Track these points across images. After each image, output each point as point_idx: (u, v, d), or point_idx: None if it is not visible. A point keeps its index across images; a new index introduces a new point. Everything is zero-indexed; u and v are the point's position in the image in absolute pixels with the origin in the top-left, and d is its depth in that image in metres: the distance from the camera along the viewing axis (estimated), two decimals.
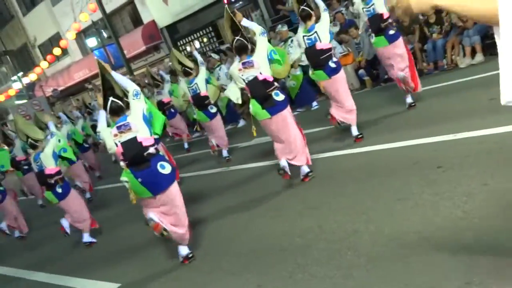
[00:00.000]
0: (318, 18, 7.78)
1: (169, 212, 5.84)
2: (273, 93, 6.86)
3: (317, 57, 7.74)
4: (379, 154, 7.04)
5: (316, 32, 7.64)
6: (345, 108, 7.92)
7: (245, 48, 7.01)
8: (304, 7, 7.66)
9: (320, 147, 8.18)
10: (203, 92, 10.22)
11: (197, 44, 25.15)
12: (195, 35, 26.02)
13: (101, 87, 5.81)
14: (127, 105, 5.75)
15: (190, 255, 5.98)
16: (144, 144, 5.59)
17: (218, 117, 10.77)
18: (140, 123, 5.66)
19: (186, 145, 13.82)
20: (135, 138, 5.60)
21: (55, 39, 34.24)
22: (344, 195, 6.04)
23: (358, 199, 5.71)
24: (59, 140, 8.85)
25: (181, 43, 27.05)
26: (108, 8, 26.29)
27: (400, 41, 8.56)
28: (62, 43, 30.25)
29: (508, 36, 2.33)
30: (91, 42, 30.83)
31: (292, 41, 12.41)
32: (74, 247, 8.83)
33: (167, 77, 14.08)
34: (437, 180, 5.28)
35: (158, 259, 6.55)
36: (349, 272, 4.23)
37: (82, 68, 32.60)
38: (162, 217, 5.77)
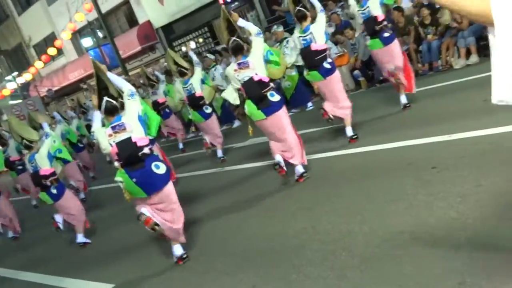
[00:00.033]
0: (314, 19, 7.78)
1: (166, 209, 5.85)
2: (268, 94, 6.86)
3: (312, 58, 7.73)
4: (373, 154, 7.04)
5: (311, 32, 7.64)
6: (339, 105, 7.92)
7: (240, 48, 7.01)
8: (300, 8, 7.67)
9: (315, 148, 8.17)
10: (198, 92, 10.20)
11: (192, 44, 25.13)
12: (190, 35, 26.02)
13: (95, 87, 5.79)
14: (122, 106, 5.74)
15: (184, 256, 5.97)
16: (139, 144, 5.58)
17: (214, 117, 10.76)
18: (135, 123, 5.65)
19: (181, 146, 13.81)
20: (129, 138, 5.58)
21: (50, 39, 34.17)
22: (338, 195, 6.03)
23: (353, 199, 5.71)
24: (54, 141, 8.83)
25: (177, 43, 27.04)
26: (104, 8, 26.26)
27: (395, 43, 8.58)
28: (57, 43, 30.18)
29: (501, 35, 2.34)
30: (86, 42, 30.82)
31: (287, 41, 12.39)
32: (67, 248, 8.81)
33: (162, 77, 14.09)
34: (431, 181, 5.29)
35: (152, 260, 6.53)
36: (343, 273, 4.23)
37: (77, 68, 32.54)
38: (158, 213, 5.77)
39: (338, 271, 4.28)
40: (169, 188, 5.85)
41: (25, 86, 37.83)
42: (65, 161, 9.32)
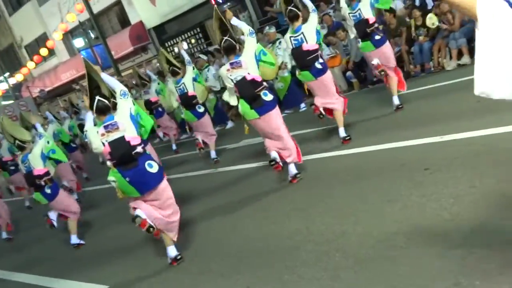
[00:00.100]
0: (306, 20, 7.79)
1: (162, 206, 5.88)
2: (261, 93, 6.87)
3: (303, 58, 7.75)
4: (366, 155, 7.07)
5: (302, 33, 7.65)
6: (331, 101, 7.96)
7: (233, 48, 7.02)
8: (291, 8, 7.66)
9: (308, 149, 8.18)
10: (190, 91, 10.18)
11: (185, 45, 25.11)
12: (183, 36, 25.97)
13: (87, 87, 5.78)
14: (114, 106, 5.74)
15: (179, 257, 5.98)
16: (132, 143, 5.59)
17: (206, 116, 10.77)
18: (127, 122, 5.65)
19: (174, 147, 13.81)
20: (122, 137, 5.58)
21: (42, 40, 34.06)
22: (332, 196, 6.06)
23: (346, 200, 5.74)
24: (48, 142, 8.82)
25: (169, 44, 26.99)
26: (95, 9, 26.21)
27: (387, 45, 8.64)
28: (49, 43, 30.14)
29: (482, 29, 2.42)
30: (78, 42, 30.74)
31: (280, 42, 12.43)
32: (62, 249, 8.79)
33: (154, 76, 14.07)
34: (424, 182, 5.31)
35: (147, 261, 6.54)
36: (336, 274, 4.25)
37: (69, 68, 32.41)
38: (155, 209, 5.80)
39: (332, 272, 4.30)
40: (163, 185, 5.87)
41: (17, 87, 37.71)
42: (57, 161, 9.31)
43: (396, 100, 8.70)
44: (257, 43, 7.20)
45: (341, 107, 7.99)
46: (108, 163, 5.72)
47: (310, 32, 7.66)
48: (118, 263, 6.96)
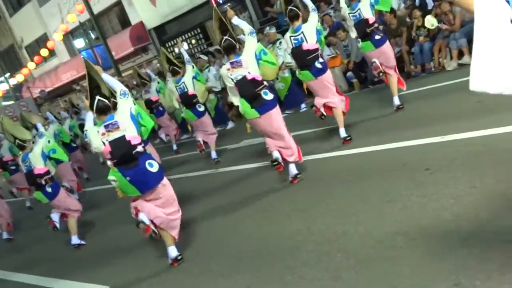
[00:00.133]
0: (306, 20, 7.80)
1: (165, 204, 5.92)
2: (262, 92, 6.87)
3: (303, 57, 7.75)
4: (367, 156, 7.07)
5: (302, 32, 7.66)
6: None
7: (233, 47, 7.02)
8: (292, 7, 7.67)
9: (309, 149, 8.18)
10: (190, 90, 10.17)
11: (185, 45, 25.11)
12: (183, 36, 25.96)
13: (87, 87, 5.78)
14: (114, 105, 5.74)
15: (179, 257, 5.98)
16: (133, 142, 5.59)
17: (206, 115, 10.78)
18: (127, 121, 5.66)
19: (175, 147, 13.81)
20: (123, 136, 5.59)
21: (42, 40, 34.08)
22: (333, 197, 6.06)
23: (347, 201, 5.74)
24: (49, 141, 8.84)
25: (169, 44, 26.99)
26: (96, 9, 26.22)
27: (387, 45, 8.64)
28: (49, 44, 30.12)
29: (478, 25, 2.44)
30: (79, 43, 30.78)
31: (280, 43, 12.42)
32: (62, 249, 8.79)
33: (154, 75, 14.08)
34: (425, 182, 5.31)
35: (147, 261, 6.54)
36: (338, 274, 4.25)
37: (70, 69, 32.44)
38: (158, 208, 5.83)
39: (333, 272, 4.31)
40: (164, 183, 5.88)
41: (17, 87, 37.72)
42: (57, 161, 9.32)
43: (396, 101, 8.70)
44: (257, 42, 7.21)
45: (341, 105, 7.99)
46: (109, 162, 5.72)
47: (310, 31, 7.66)
48: (119, 263, 6.96)
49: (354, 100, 9.16)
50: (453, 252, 3.83)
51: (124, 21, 29.44)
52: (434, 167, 5.57)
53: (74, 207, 8.59)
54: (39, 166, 8.15)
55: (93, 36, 28.25)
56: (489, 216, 4.18)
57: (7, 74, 37.95)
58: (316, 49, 7.76)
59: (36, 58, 31.69)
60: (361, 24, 8.46)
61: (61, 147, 10.77)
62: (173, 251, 5.98)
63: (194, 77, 10.45)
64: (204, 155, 10.82)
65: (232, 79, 6.93)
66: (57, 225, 8.47)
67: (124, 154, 5.60)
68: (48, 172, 8.25)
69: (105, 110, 5.68)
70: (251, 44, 6.95)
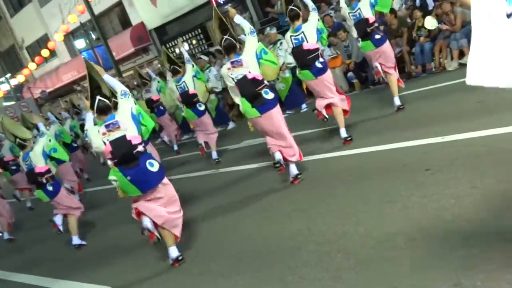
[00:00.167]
0: (306, 20, 7.80)
1: (167, 203, 5.94)
2: (262, 92, 6.87)
3: (303, 57, 7.75)
4: (368, 156, 7.07)
5: (303, 32, 7.66)
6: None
7: (233, 47, 7.01)
8: (292, 7, 7.68)
9: (309, 149, 8.18)
10: (191, 89, 10.19)
11: (186, 46, 25.12)
12: (184, 37, 25.96)
13: (88, 87, 5.79)
14: (115, 105, 5.75)
15: (180, 258, 5.98)
16: (133, 142, 5.60)
17: (207, 114, 10.79)
18: (128, 121, 5.66)
19: (175, 147, 13.82)
20: (124, 136, 5.60)
21: (43, 41, 34.10)
22: (333, 197, 6.05)
23: (347, 201, 5.74)
24: (50, 140, 8.85)
25: (170, 45, 26.99)
26: (97, 10, 26.23)
27: (387, 45, 8.65)
28: (50, 44, 30.14)
29: (474, 21, 2.45)
30: (80, 43, 30.78)
31: (281, 43, 12.42)
32: (63, 249, 8.80)
33: (155, 75, 14.09)
34: (425, 183, 5.31)
35: (148, 261, 6.54)
36: (338, 274, 4.25)
37: (71, 69, 32.47)
38: (160, 207, 5.84)
39: (334, 273, 4.31)
40: (165, 183, 5.89)
41: (18, 88, 37.74)
42: (59, 162, 9.33)
43: (397, 101, 8.69)
44: (258, 42, 7.21)
45: (342, 104, 7.99)
46: (109, 162, 5.73)
47: (310, 31, 7.67)
48: (119, 263, 6.97)
49: (354, 101, 9.17)
50: (453, 252, 3.83)
51: (125, 22, 29.45)
52: (434, 168, 5.57)
53: (74, 205, 8.60)
54: (40, 164, 8.16)
55: (94, 36, 28.29)
56: (489, 216, 4.18)
57: (8, 75, 37.99)
58: (317, 49, 7.76)
59: (37, 58, 31.71)
60: (361, 24, 8.47)
61: (62, 147, 10.79)
62: (174, 252, 5.99)
63: (194, 76, 10.47)
64: (205, 156, 10.82)
65: (232, 79, 6.93)
66: (61, 228, 8.50)
67: (124, 153, 5.60)
68: (49, 171, 8.26)
69: (105, 110, 5.69)
70: (251, 43, 6.94)
